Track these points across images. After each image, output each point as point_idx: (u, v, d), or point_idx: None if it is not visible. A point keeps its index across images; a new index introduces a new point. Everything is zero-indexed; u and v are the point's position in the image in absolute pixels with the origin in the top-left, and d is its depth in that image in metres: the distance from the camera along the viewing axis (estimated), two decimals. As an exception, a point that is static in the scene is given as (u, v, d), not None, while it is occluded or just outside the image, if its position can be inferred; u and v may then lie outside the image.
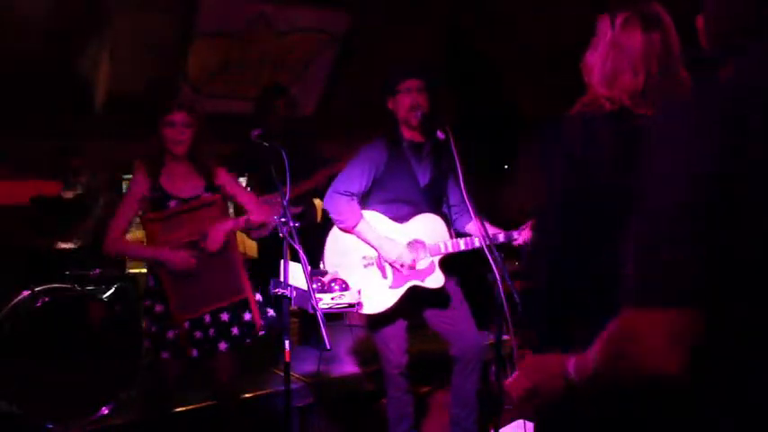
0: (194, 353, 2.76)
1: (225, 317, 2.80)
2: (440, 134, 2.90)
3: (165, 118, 2.74)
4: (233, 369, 2.88)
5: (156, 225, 2.74)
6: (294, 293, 2.45)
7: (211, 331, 2.78)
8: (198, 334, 2.75)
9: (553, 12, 4.34)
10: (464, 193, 2.79)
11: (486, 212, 3.08)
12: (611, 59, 1.63)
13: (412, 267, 2.99)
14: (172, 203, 2.76)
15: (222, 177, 2.88)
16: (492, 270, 2.64)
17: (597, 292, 1.64)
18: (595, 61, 1.66)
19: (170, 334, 2.71)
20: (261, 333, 2.85)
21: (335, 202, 2.99)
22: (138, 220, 2.90)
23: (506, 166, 5.70)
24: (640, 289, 1.04)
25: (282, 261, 2.54)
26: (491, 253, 2.66)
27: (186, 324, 2.72)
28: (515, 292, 2.58)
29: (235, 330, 2.80)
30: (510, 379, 1.77)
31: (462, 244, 3.01)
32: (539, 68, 4.89)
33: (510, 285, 2.61)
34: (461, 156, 2.83)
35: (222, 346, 2.80)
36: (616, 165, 1.58)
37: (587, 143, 1.60)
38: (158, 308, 2.73)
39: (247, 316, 2.83)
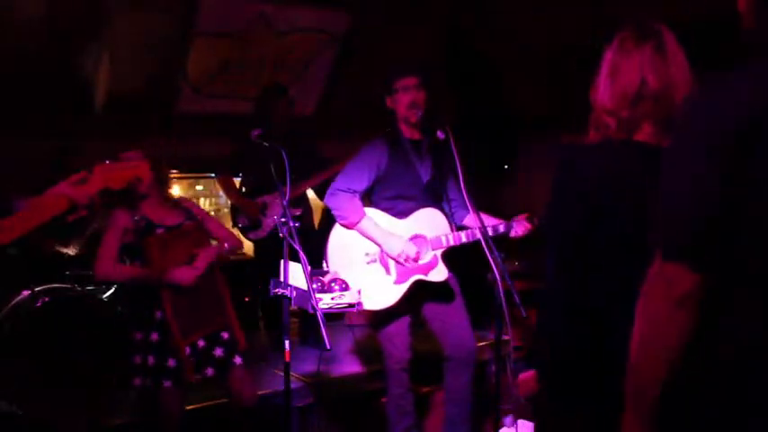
0: (210, 372, 2.77)
1: (202, 343, 2.81)
2: (440, 134, 2.90)
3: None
4: (251, 382, 2.91)
5: (154, 249, 2.72)
6: (294, 293, 2.45)
7: (219, 351, 2.81)
8: (194, 360, 2.74)
9: (553, 12, 4.34)
10: (464, 194, 2.79)
11: (486, 212, 3.09)
12: (610, 77, 1.68)
13: (416, 261, 2.99)
14: (159, 231, 2.78)
15: (197, 210, 2.99)
16: (492, 270, 2.64)
17: (611, 306, 1.66)
18: (599, 83, 1.71)
19: (171, 362, 2.68)
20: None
21: (337, 199, 3.00)
22: None
23: (506, 166, 5.70)
24: (661, 244, 1.23)
25: (282, 261, 2.54)
26: (491, 252, 2.67)
27: (187, 350, 2.71)
28: (515, 292, 2.58)
29: (219, 352, 2.82)
30: (524, 375, 1.79)
31: (464, 236, 3.01)
32: (539, 68, 4.89)
33: (510, 285, 2.61)
34: (461, 155, 2.84)
35: (237, 360, 2.82)
36: (620, 187, 1.62)
37: (594, 170, 1.64)
38: (154, 336, 2.70)
39: (225, 335, 2.85)
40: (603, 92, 1.69)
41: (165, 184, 2.90)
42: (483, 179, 3.25)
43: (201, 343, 2.79)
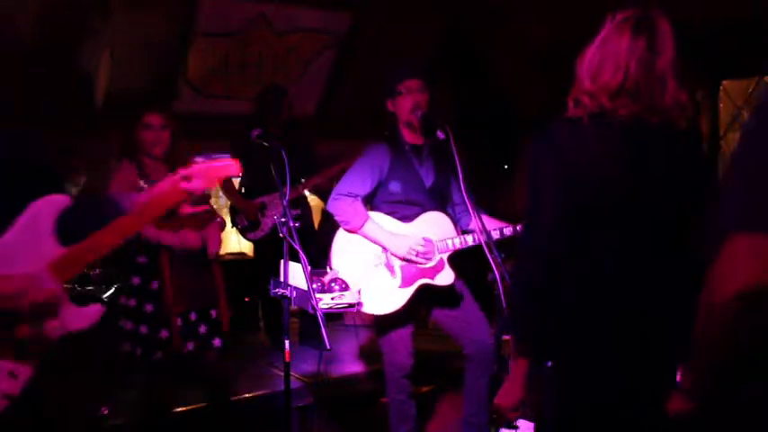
0: (189, 346, 2.79)
1: (194, 316, 2.85)
2: (440, 134, 2.89)
3: (141, 120, 2.85)
4: (225, 365, 2.93)
5: None
6: (294, 293, 2.45)
7: (203, 328, 2.84)
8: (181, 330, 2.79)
9: (553, 12, 4.34)
10: (464, 194, 2.78)
11: (487, 212, 3.08)
12: (599, 55, 1.68)
13: (426, 256, 2.99)
14: None
15: None
16: (492, 270, 2.63)
17: (584, 291, 1.66)
18: (587, 54, 1.71)
19: (164, 333, 2.72)
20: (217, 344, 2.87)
21: (339, 205, 2.97)
22: None
23: (506, 166, 5.70)
24: (736, 218, 1.18)
25: (282, 261, 2.54)
26: (491, 252, 2.66)
27: (179, 321, 2.73)
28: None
29: (202, 329, 2.85)
30: (500, 394, 1.76)
31: (470, 240, 2.99)
32: (539, 68, 4.89)
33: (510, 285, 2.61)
34: (462, 155, 2.83)
35: (216, 342, 2.84)
36: (601, 163, 1.62)
37: (575, 145, 1.65)
38: (148, 307, 2.73)
39: (213, 313, 2.88)
40: (587, 68, 1.69)
41: (180, 154, 2.94)
42: (483, 179, 3.24)
43: (193, 316, 2.83)
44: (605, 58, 1.67)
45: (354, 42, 4.94)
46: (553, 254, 1.67)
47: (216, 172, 1.95)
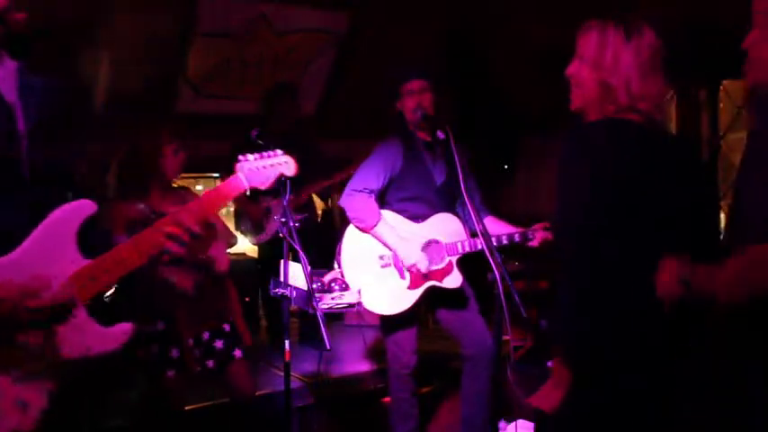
0: (210, 364, 2.76)
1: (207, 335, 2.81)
2: (440, 134, 2.90)
3: (162, 150, 2.79)
4: (250, 377, 2.89)
5: None
6: (294, 293, 2.45)
7: (219, 343, 2.80)
8: (197, 352, 2.75)
9: (553, 12, 4.34)
10: (464, 194, 2.78)
11: (494, 214, 3.08)
12: (643, 68, 1.69)
13: (427, 274, 2.99)
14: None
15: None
16: (492, 270, 2.63)
17: (585, 291, 1.65)
18: (619, 57, 1.72)
19: (174, 353, 2.69)
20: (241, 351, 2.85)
21: (354, 201, 2.96)
22: None
23: (506, 166, 5.70)
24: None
25: (282, 261, 2.54)
26: (491, 253, 2.66)
27: (191, 341, 2.70)
28: (515, 292, 2.58)
29: (219, 344, 2.81)
30: (540, 393, 1.75)
31: (479, 244, 2.98)
32: (539, 68, 4.89)
33: (510, 285, 2.61)
34: (464, 155, 2.84)
35: (237, 353, 2.80)
36: (618, 165, 1.62)
37: (601, 146, 1.64)
38: (160, 326, 2.70)
39: (227, 327, 2.84)
40: (637, 77, 1.67)
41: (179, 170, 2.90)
42: (483, 179, 3.25)
43: (206, 335, 2.79)
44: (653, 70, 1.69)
45: (354, 42, 4.94)
46: (589, 256, 1.66)
47: (272, 171, 1.88)
